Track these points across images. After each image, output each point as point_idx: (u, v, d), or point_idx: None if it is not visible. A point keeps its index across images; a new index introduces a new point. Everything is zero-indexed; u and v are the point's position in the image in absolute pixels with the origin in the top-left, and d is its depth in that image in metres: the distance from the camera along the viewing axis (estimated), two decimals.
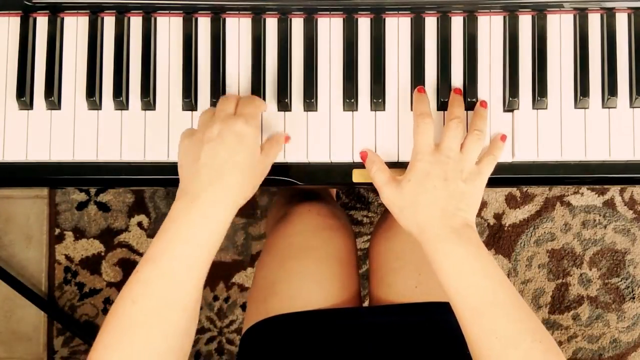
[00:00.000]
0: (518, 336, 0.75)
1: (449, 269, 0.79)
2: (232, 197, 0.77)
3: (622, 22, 0.88)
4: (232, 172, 0.77)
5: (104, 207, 1.64)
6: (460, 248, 0.78)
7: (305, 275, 1.00)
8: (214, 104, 0.88)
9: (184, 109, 0.89)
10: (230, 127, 0.78)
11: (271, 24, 0.89)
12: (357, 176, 0.88)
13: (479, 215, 1.64)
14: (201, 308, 1.63)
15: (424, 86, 0.88)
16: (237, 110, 0.81)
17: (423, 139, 0.83)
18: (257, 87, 0.88)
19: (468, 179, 0.82)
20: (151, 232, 1.64)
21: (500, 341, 0.75)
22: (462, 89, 0.88)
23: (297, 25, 0.89)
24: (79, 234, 1.64)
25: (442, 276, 0.79)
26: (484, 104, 0.87)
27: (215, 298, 1.65)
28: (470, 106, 0.87)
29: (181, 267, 0.74)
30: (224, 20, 0.89)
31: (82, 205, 1.64)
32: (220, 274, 1.64)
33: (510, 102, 0.87)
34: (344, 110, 0.88)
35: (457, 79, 0.88)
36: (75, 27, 0.90)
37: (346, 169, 0.89)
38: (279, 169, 0.88)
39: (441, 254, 0.79)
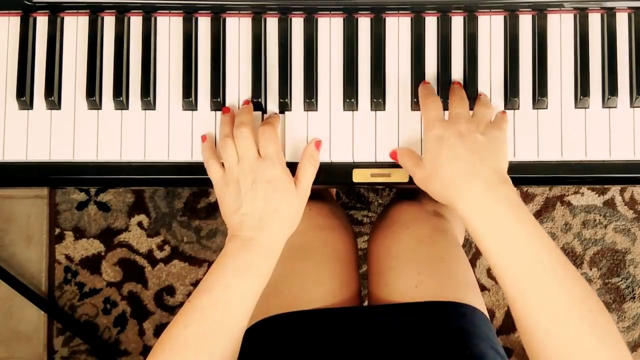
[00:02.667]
0: (566, 307, 0.71)
1: (485, 233, 0.74)
2: (282, 232, 0.84)
3: (622, 22, 0.88)
4: (272, 218, 0.83)
5: (104, 207, 1.64)
6: (495, 208, 0.74)
7: (305, 275, 1.00)
8: (214, 104, 0.88)
9: (184, 109, 0.89)
10: (261, 176, 0.83)
11: (271, 24, 0.89)
12: (357, 176, 0.88)
13: None
14: None
15: None
16: (260, 151, 0.84)
17: (431, 111, 0.83)
18: (257, 87, 0.88)
19: (485, 132, 0.80)
20: (151, 232, 1.64)
21: (547, 314, 0.71)
22: (461, 83, 0.88)
23: (297, 25, 0.89)
24: (79, 233, 1.64)
25: (479, 241, 0.75)
26: (483, 94, 0.87)
27: None
28: (470, 106, 0.87)
29: (233, 296, 0.80)
30: (224, 20, 0.89)
31: (82, 205, 1.64)
32: None
33: (511, 101, 0.87)
34: (344, 110, 0.88)
35: (457, 78, 0.88)
36: (75, 27, 0.90)
37: (346, 168, 0.89)
38: None
39: (474, 215, 0.75)
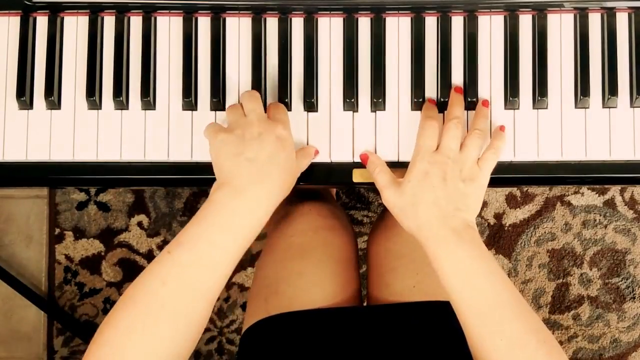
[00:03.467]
0: (524, 337, 0.75)
1: (450, 270, 0.78)
2: (274, 194, 0.79)
3: (622, 22, 0.88)
4: (275, 171, 0.79)
5: (104, 207, 1.64)
6: (462, 249, 0.78)
7: (305, 275, 1.00)
8: (214, 103, 0.88)
9: (184, 109, 0.89)
10: (271, 130, 0.80)
11: (271, 24, 0.89)
12: (357, 176, 0.88)
13: (479, 215, 1.64)
14: None
15: (424, 86, 0.88)
16: (270, 115, 0.83)
17: (426, 140, 0.83)
18: (257, 87, 0.88)
19: (467, 179, 0.82)
20: (151, 232, 1.64)
21: (506, 342, 0.75)
22: (462, 87, 0.88)
23: (297, 25, 0.89)
24: (79, 233, 1.64)
25: (443, 278, 0.79)
26: (485, 103, 0.87)
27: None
28: (470, 106, 0.87)
29: (218, 255, 0.75)
30: (224, 20, 0.89)
31: (82, 205, 1.64)
32: None
33: (511, 101, 0.87)
34: (344, 110, 0.88)
35: (457, 78, 0.88)
36: (75, 27, 0.90)
37: (346, 168, 0.89)
38: None
39: (442, 255, 0.79)
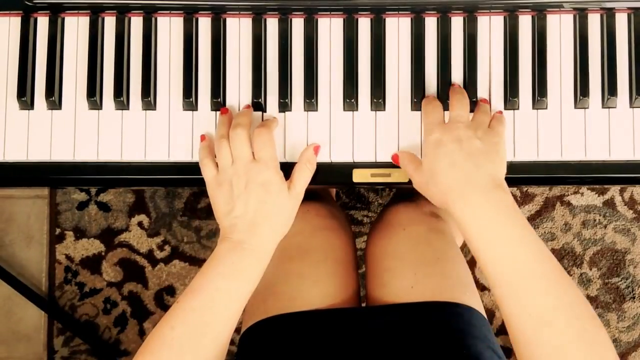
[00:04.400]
0: (553, 313, 0.70)
1: (477, 236, 0.75)
2: (270, 239, 0.84)
3: (621, 22, 0.88)
4: (266, 221, 0.83)
5: (104, 207, 1.64)
6: (489, 212, 0.75)
7: (303, 276, 1.00)
8: (214, 104, 0.88)
9: (184, 109, 0.89)
10: (255, 179, 0.83)
11: (271, 24, 0.89)
12: (357, 176, 0.89)
13: None
14: None
15: (424, 86, 0.88)
16: (254, 154, 0.84)
17: (432, 115, 0.84)
18: (258, 87, 0.88)
19: (483, 137, 0.80)
20: (151, 232, 1.64)
21: (533, 320, 0.71)
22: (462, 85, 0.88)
23: (298, 25, 0.89)
24: (80, 233, 1.64)
25: (472, 245, 0.76)
26: (484, 100, 0.87)
27: None
28: (470, 106, 0.87)
29: (221, 299, 0.81)
30: (225, 20, 0.90)
31: (82, 205, 1.65)
32: None
33: (511, 102, 0.87)
34: (344, 110, 0.88)
35: (457, 79, 0.88)
36: (76, 27, 0.90)
37: (346, 168, 0.89)
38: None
39: (468, 219, 0.75)
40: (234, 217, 0.83)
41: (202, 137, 0.88)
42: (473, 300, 0.99)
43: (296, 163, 0.87)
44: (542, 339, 0.71)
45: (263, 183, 0.83)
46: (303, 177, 0.86)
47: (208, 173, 0.86)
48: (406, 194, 1.18)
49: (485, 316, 1.00)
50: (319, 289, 0.99)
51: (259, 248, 0.83)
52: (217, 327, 0.80)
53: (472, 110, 0.87)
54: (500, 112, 0.87)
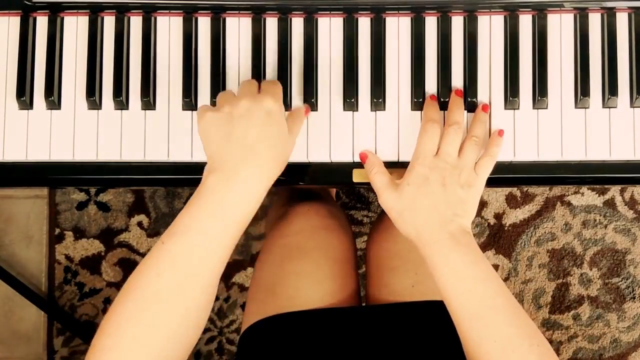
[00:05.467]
0: (516, 340, 0.76)
1: (447, 274, 0.80)
2: (267, 173, 0.78)
3: (622, 22, 0.88)
4: (266, 148, 0.77)
5: (104, 207, 1.64)
6: (458, 254, 0.79)
7: (303, 275, 1.00)
8: (214, 104, 0.88)
9: (184, 109, 0.89)
10: (259, 104, 0.77)
11: (271, 24, 0.89)
12: (357, 176, 0.88)
13: (479, 215, 1.64)
14: None
15: (424, 86, 0.88)
16: (261, 90, 0.81)
17: (427, 144, 0.83)
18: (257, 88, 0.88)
19: (465, 184, 0.82)
20: (151, 232, 1.64)
21: (499, 345, 0.76)
22: (462, 90, 0.88)
23: (297, 25, 0.89)
24: (79, 233, 1.64)
25: (440, 281, 0.80)
26: (485, 108, 0.87)
27: (216, 298, 1.64)
28: (470, 106, 0.87)
29: (210, 243, 0.75)
30: (224, 20, 0.89)
31: (82, 205, 1.64)
32: None
33: (511, 101, 0.87)
34: (344, 110, 0.88)
35: (457, 78, 0.88)
36: (75, 27, 0.90)
37: (346, 168, 0.89)
38: None
39: (439, 259, 0.80)
40: (231, 140, 0.76)
41: None
42: None
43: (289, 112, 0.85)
44: None
45: (267, 109, 0.77)
46: (297, 122, 0.84)
47: (203, 108, 0.79)
48: None
49: None
50: (319, 288, 0.99)
51: (255, 181, 0.76)
52: (206, 273, 0.75)
53: (472, 110, 0.87)
54: (501, 134, 0.86)
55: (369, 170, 0.85)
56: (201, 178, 0.88)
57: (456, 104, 0.86)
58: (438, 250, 0.80)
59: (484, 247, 1.62)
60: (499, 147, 0.86)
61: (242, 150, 0.76)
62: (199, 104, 0.89)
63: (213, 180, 0.76)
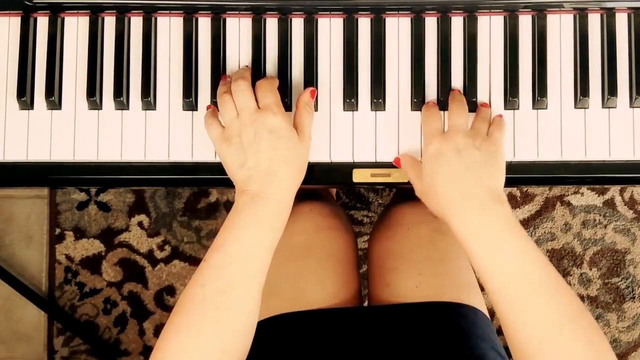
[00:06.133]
0: (560, 324, 0.71)
1: (478, 251, 0.75)
2: (288, 185, 0.82)
3: (622, 22, 0.88)
4: (281, 167, 0.81)
5: (104, 207, 1.64)
6: (488, 228, 0.75)
7: (306, 275, 1.00)
8: (214, 104, 0.88)
9: (184, 109, 0.89)
10: (263, 126, 0.81)
11: (271, 24, 0.89)
12: (358, 176, 0.89)
13: None
14: None
15: (424, 86, 0.88)
16: (259, 103, 0.83)
17: (432, 124, 0.83)
18: None
19: (481, 147, 0.80)
20: (151, 232, 1.64)
21: (539, 330, 0.71)
22: (461, 90, 0.88)
23: (297, 25, 0.89)
24: (80, 233, 1.64)
25: (473, 259, 0.76)
26: (485, 105, 0.87)
27: None
28: (470, 106, 0.87)
29: (247, 251, 0.79)
30: (224, 20, 0.89)
31: (82, 205, 1.65)
32: None
33: (511, 102, 0.87)
34: (344, 110, 0.88)
35: (457, 79, 0.88)
36: (76, 27, 0.90)
37: (346, 168, 0.89)
38: None
39: (468, 235, 0.76)
40: (248, 169, 0.81)
41: (209, 107, 0.87)
42: (477, 301, 0.99)
43: (295, 110, 0.86)
44: (551, 349, 0.71)
45: (272, 129, 0.81)
46: (306, 120, 0.85)
47: (214, 131, 0.84)
48: (408, 194, 1.18)
49: (489, 317, 1.00)
50: (321, 288, 0.99)
51: (278, 196, 0.81)
52: (247, 280, 0.79)
53: (472, 110, 0.87)
54: (500, 116, 0.87)
55: (405, 170, 0.86)
56: (201, 178, 0.89)
57: (456, 97, 0.86)
58: (465, 224, 0.76)
59: None
60: (504, 122, 0.86)
61: (259, 176, 0.81)
62: (200, 104, 0.89)
63: (241, 202, 0.81)
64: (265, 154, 0.80)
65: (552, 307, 0.72)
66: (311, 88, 0.87)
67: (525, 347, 0.72)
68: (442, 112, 0.87)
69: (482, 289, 1.61)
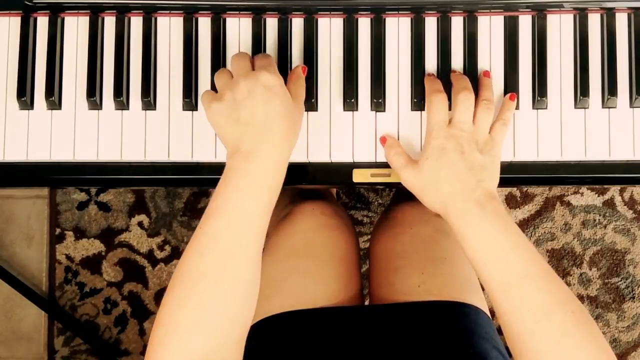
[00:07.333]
0: (550, 308, 0.75)
1: (476, 243, 0.78)
2: (284, 144, 0.80)
3: (622, 22, 0.88)
4: (276, 123, 0.79)
5: (104, 207, 1.64)
6: (486, 222, 0.78)
7: (307, 274, 1.00)
8: (214, 88, 0.88)
9: (184, 109, 0.89)
10: (257, 82, 0.79)
11: (271, 24, 0.89)
12: (358, 176, 0.89)
13: None
14: None
15: (424, 86, 0.88)
16: (254, 66, 0.83)
17: (437, 116, 0.83)
18: None
19: (484, 150, 0.82)
20: (151, 232, 1.64)
21: (532, 315, 0.75)
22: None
23: (297, 25, 0.89)
24: (80, 233, 1.64)
25: (469, 251, 0.79)
26: (487, 73, 0.87)
27: None
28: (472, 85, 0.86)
29: (243, 216, 0.77)
30: (224, 20, 0.90)
31: (82, 205, 1.65)
32: None
33: None
34: (344, 110, 0.88)
35: None
36: (76, 27, 0.90)
37: (346, 168, 0.89)
38: None
39: (468, 229, 0.79)
40: (242, 124, 0.78)
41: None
42: (479, 300, 0.99)
43: (287, 82, 0.85)
44: (543, 332, 0.74)
45: (267, 85, 0.79)
46: (300, 90, 0.84)
47: (207, 97, 0.82)
48: (407, 193, 1.18)
49: (490, 316, 1.00)
50: (323, 287, 0.99)
51: (273, 154, 0.78)
52: (247, 246, 0.77)
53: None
54: (512, 97, 0.86)
55: (387, 153, 0.86)
56: (201, 178, 0.89)
57: (459, 76, 0.86)
58: (465, 220, 0.79)
59: None
60: (511, 111, 0.86)
61: (254, 131, 0.78)
62: (200, 104, 0.89)
63: (234, 162, 0.78)
64: (259, 108, 0.78)
65: (543, 292, 0.76)
66: (302, 65, 0.86)
67: (519, 332, 0.75)
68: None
69: (484, 289, 1.62)
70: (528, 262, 0.77)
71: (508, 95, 0.87)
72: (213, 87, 0.88)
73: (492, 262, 0.77)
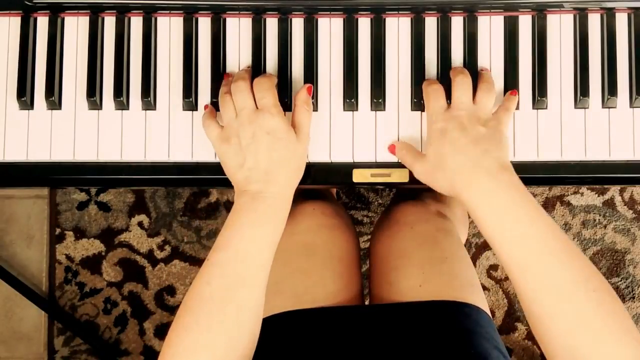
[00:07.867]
0: (571, 286, 0.72)
1: (489, 219, 0.76)
2: (287, 184, 0.84)
3: (622, 22, 0.88)
4: (279, 167, 0.82)
5: (104, 207, 1.64)
6: (499, 195, 0.76)
7: (310, 273, 1.00)
8: (214, 104, 0.88)
9: (184, 109, 0.89)
10: (261, 127, 0.82)
11: (271, 24, 0.89)
12: (357, 176, 0.89)
13: None
14: None
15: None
16: (257, 103, 0.84)
17: (435, 102, 0.84)
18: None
19: (487, 124, 0.81)
20: (151, 232, 1.64)
21: (553, 296, 0.72)
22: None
23: (298, 25, 0.89)
24: (80, 233, 1.64)
25: (484, 228, 0.77)
26: (485, 69, 0.87)
27: None
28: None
29: (250, 248, 0.80)
30: (224, 20, 0.90)
31: (82, 205, 1.65)
32: None
33: None
34: (344, 110, 0.89)
35: None
36: (76, 27, 0.90)
37: (346, 168, 0.89)
38: None
39: (479, 203, 0.77)
40: (247, 169, 0.82)
41: (206, 107, 0.88)
42: (479, 300, 0.99)
43: (293, 108, 0.86)
44: (563, 312, 0.72)
45: (270, 130, 0.82)
46: (304, 119, 0.86)
47: (212, 131, 0.85)
48: (408, 193, 1.18)
49: (491, 316, 1.00)
50: (324, 287, 0.99)
51: (278, 195, 0.82)
52: (252, 276, 0.80)
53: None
54: (514, 92, 0.86)
55: (399, 154, 0.87)
56: (201, 178, 0.89)
57: (458, 71, 0.86)
58: (475, 193, 0.77)
59: (483, 248, 1.62)
60: (514, 103, 0.86)
61: (258, 176, 0.82)
62: (200, 104, 0.89)
63: (241, 202, 0.82)
64: (263, 154, 0.82)
65: (563, 271, 0.72)
66: (307, 85, 0.87)
67: (540, 314, 0.73)
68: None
69: (484, 289, 1.61)
70: (546, 236, 0.74)
71: (509, 92, 0.87)
72: (213, 88, 0.89)
73: (507, 240, 0.75)
